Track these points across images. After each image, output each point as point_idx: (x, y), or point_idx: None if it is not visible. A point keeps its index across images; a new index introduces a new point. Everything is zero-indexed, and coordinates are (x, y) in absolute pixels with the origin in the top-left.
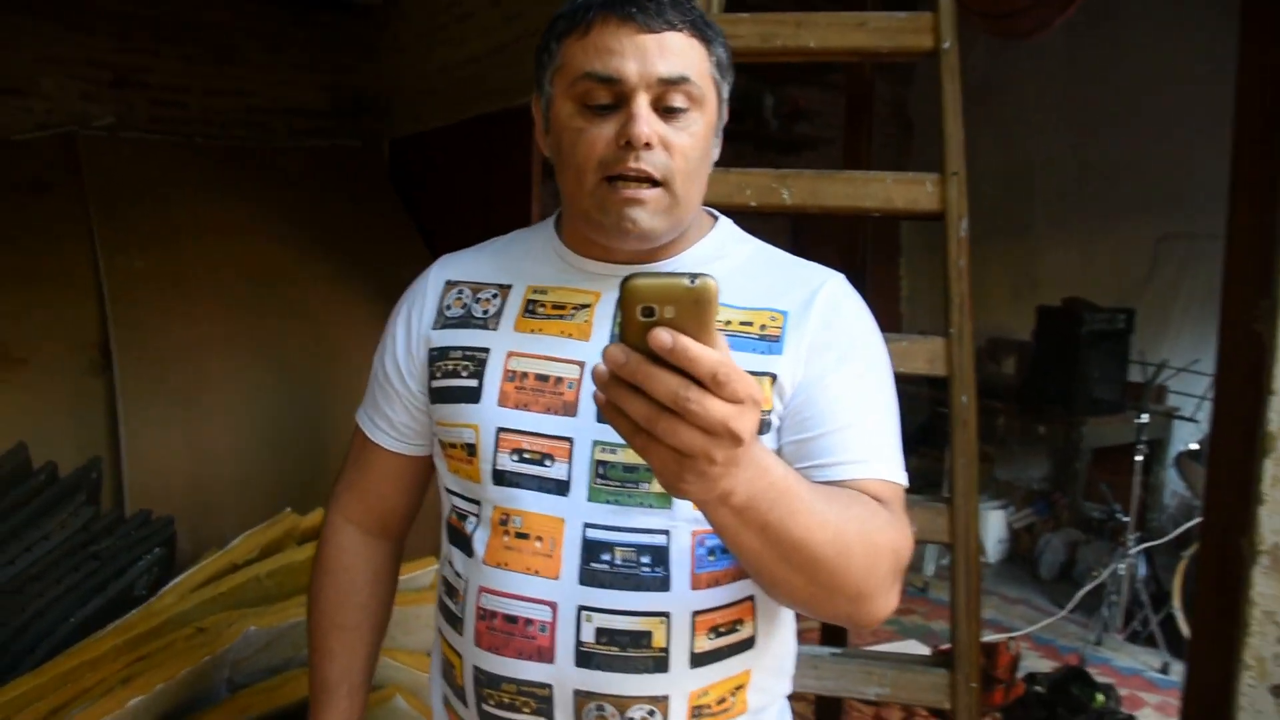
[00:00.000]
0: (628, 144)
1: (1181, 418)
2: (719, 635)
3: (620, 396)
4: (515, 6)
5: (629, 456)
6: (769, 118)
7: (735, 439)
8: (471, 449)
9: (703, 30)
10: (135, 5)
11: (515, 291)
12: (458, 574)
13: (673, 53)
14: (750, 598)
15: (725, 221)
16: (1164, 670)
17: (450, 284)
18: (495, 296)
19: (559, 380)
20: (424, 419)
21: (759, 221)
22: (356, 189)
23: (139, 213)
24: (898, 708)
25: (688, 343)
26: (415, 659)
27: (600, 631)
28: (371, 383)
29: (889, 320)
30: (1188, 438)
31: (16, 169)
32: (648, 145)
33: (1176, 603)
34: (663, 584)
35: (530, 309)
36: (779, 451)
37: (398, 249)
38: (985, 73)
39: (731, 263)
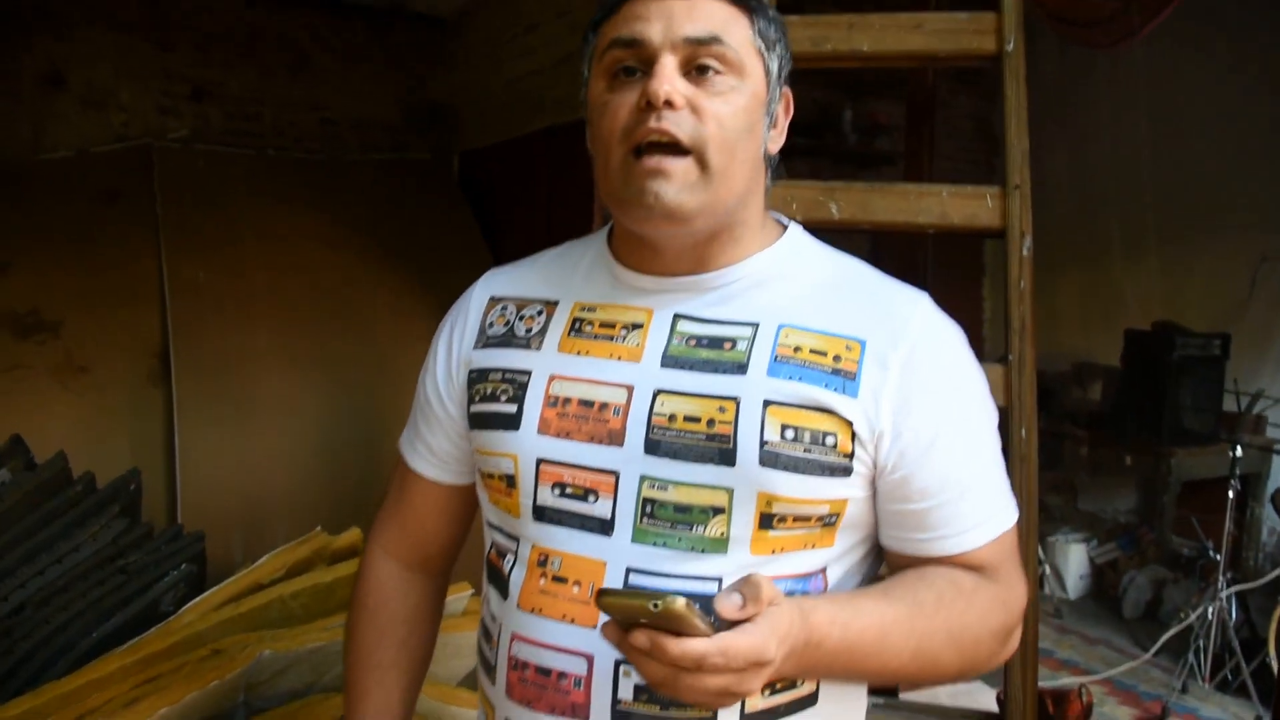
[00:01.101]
0: (649, 105)
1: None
2: (774, 693)
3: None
4: (581, 17)
5: (681, 495)
6: (847, 132)
7: (742, 695)
8: (511, 480)
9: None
10: (214, 19)
11: (562, 308)
12: (493, 616)
13: (702, 15)
14: None
15: (795, 229)
16: None
17: (494, 300)
18: (540, 313)
19: (604, 406)
20: (466, 445)
21: (840, 237)
22: (426, 201)
23: (206, 224)
24: None
25: (665, 644)
26: (440, 690)
27: (639, 689)
28: (414, 406)
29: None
30: None
31: (93, 180)
32: (669, 104)
33: (1272, 650)
34: None
35: (576, 327)
36: (876, 514)
37: (465, 262)
38: (1058, 78)
39: (801, 280)
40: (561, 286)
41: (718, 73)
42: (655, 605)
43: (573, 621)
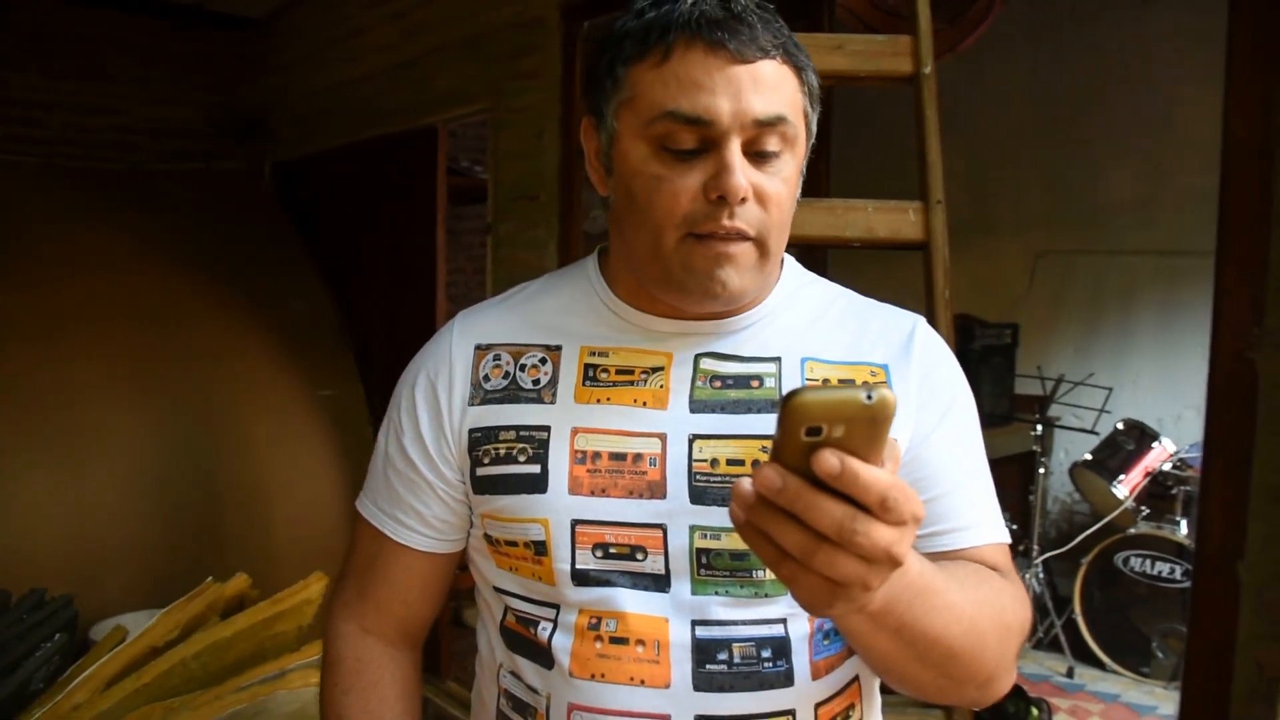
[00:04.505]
0: (720, 199)
1: (1079, 429)
2: None
3: (771, 523)
4: (418, 22)
5: (736, 542)
6: None
7: (895, 563)
8: (541, 547)
9: (795, 56)
10: None
11: (567, 354)
12: (532, 689)
13: (767, 87)
14: (856, 677)
15: (791, 261)
16: (1069, 675)
17: (482, 348)
18: (544, 361)
19: (638, 457)
20: (464, 510)
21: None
22: (239, 215)
23: None
24: None
25: (858, 467)
26: None
27: None
28: (383, 471)
29: None
30: (1070, 446)
31: None
32: (743, 200)
33: (1078, 608)
34: (786, 678)
35: (590, 375)
36: None
37: (289, 279)
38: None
39: (808, 309)
40: (559, 329)
41: (777, 153)
42: (870, 397)
43: (642, 683)
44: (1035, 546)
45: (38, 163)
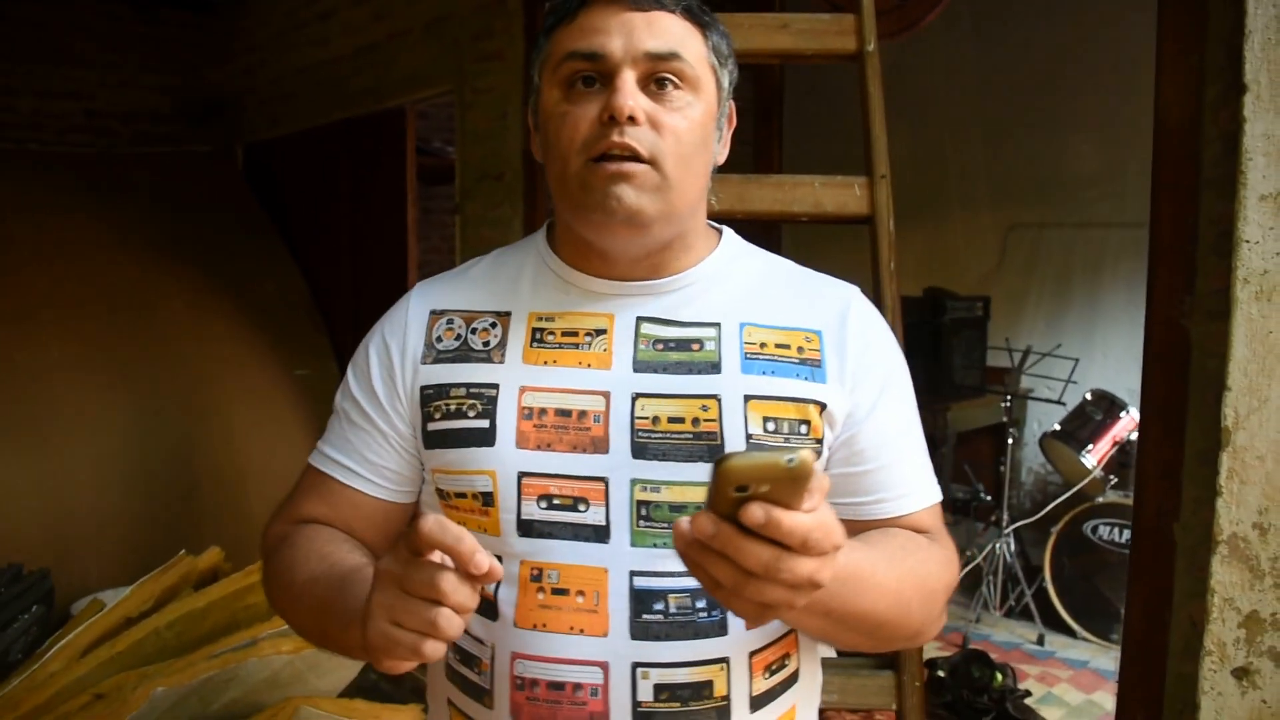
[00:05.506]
0: (611, 119)
1: (1048, 400)
2: (772, 674)
3: (707, 561)
4: (384, 4)
5: (674, 495)
6: None
7: (817, 586)
8: (488, 498)
9: (698, 16)
10: None
11: (516, 319)
12: (477, 640)
13: (662, 30)
14: (793, 629)
15: (730, 233)
16: (1040, 642)
17: (436, 313)
18: (494, 325)
19: (583, 414)
20: (415, 462)
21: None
22: (210, 198)
23: None
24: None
25: (780, 516)
26: (336, 705)
27: (659, 688)
28: (338, 424)
29: None
30: (1042, 417)
31: None
32: (631, 120)
33: (1048, 576)
34: (720, 628)
35: (538, 338)
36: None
37: (261, 260)
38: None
39: (746, 278)
40: (508, 297)
41: (676, 87)
42: (790, 460)
43: (581, 632)
44: (1005, 516)
45: (8, 148)
